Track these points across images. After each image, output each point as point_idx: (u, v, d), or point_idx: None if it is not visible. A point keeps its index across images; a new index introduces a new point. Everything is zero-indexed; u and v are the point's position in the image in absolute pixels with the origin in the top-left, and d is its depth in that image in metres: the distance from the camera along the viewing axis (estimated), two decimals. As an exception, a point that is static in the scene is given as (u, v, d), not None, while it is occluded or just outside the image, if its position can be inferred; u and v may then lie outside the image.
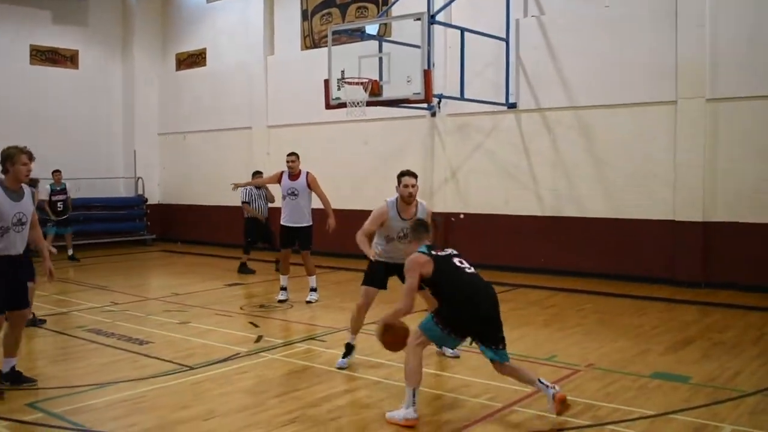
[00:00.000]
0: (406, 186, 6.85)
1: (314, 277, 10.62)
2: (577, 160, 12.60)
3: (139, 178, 19.58)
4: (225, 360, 7.27)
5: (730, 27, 11.10)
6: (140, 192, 19.57)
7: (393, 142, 14.93)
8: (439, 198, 14.18)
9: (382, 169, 14.82)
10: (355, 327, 7.09)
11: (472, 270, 5.62)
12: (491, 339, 5.46)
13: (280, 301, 10.47)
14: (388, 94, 11.49)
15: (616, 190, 12.22)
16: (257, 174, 13.66)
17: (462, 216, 13.91)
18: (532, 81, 13.03)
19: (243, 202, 13.50)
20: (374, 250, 7.06)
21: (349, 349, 7.08)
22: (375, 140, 15.22)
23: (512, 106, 13.13)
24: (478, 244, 13.16)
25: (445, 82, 13.51)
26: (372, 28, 13.79)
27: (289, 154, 10.46)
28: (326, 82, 11.97)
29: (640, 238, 11.97)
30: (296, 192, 10.34)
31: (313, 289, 10.59)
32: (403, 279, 5.78)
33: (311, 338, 8.22)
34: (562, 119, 12.75)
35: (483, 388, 6.21)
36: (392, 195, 7.07)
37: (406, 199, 6.86)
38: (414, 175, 6.92)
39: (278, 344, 7.96)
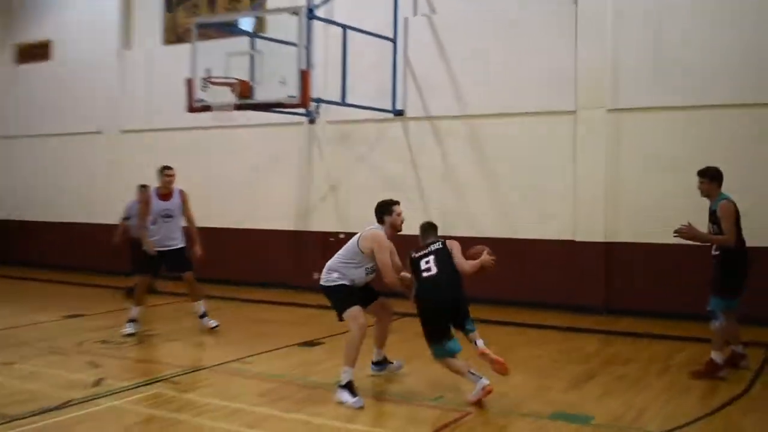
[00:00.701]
0: (399, 214, 7.32)
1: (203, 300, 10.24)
2: (468, 174, 12.58)
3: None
4: (53, 409, 6.58)
5: (633, 35, 11.32)
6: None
7: (266, 152, 14.56)
8: (316, 216, 13.95)
9: (253, 183, 14.43)
10: (355, 357, 6.98)
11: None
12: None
13: (127, 335, 9.80)
14: (259, 96, 11.11)
15: (511, 208, 12.24)
16: (143, 189, 13.03)
17: (342, 236, 13.55)
18: (422, 86, 12.97)
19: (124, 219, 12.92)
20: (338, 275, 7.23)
21: (349, 384, 6.87)
22: (245, 149, 14.79)
23: (399, 113, 13.03)
24: None
25: (325, 85, 13.21)
26: (247, 23, 13.36)
27: (167, 168, 9.99)
28: (189, 81, 11.52)
29: (537, 260, 12.01)
30: (171, 214, 9.89)
31: (205, 315, 10.17)
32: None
33: (161, 380, 7.62)
34: (453, 129, 12.73)
35: None
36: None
37: (399, 228, 7.32)
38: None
39: (121, 388, 7.32)
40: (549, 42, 11.88)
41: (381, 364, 7.83)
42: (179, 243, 10.03)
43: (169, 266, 10.13)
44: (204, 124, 12.83)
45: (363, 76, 12.95)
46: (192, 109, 11.53)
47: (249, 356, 8.65)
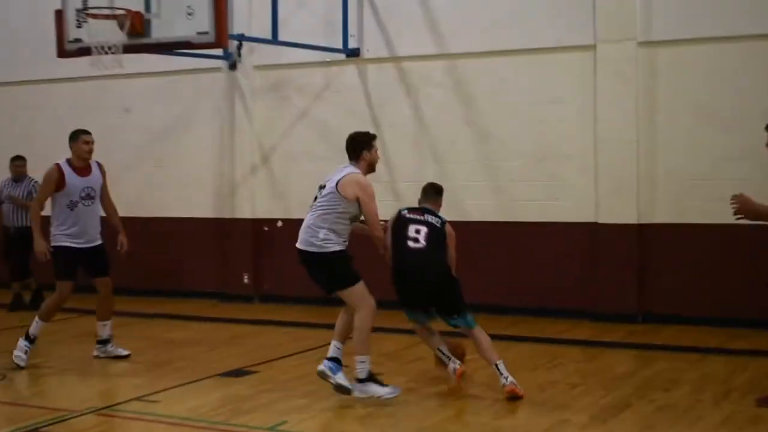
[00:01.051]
0: (377, 150, 8.23)
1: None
2: (452, 136, 12.62)
3: None
4: None
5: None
6: None
7: (171, 110, 14.56)
8: (243, 196, 14.01)
9: (155, 150, 14.32)
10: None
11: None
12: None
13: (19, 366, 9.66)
14: (158, 33, 11.04)
15: (511, 181, 12.26)
16: (18, 161, 13.34)
17: (280, 223, 13.56)
18: (383, 17, 12.98)
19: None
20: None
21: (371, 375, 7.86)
22: (142, 107, 14.74)
23: (354, 53, 13.06)
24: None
25: (249, 17, 13.31)
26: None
27: (84, 133, 9.86)
28: (59, 14, 11.44)
29: (549, 251, 12.08)
30: (93, 194, 9.77)
31: (110, 340, 10.13)
32: None
33: (32, 430, 7.52)
34: (428, 74, 12.77)
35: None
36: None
37: (374, 168, 8.21)
38: None
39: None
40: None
41: (338, 362, 8.06)
42: (100, 238, 9.91)
43: (89, 270, 9.94)
44: (84, 73, 12.64)
45: (302, 4, 13.00)
46: (64, 53, 11.49)
47: (154, 393, 8.55)
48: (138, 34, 10.89)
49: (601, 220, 11.72)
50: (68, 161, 9.75)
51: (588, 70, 11.76)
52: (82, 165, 9.77)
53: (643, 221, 11.53)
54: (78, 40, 11.25)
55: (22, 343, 9.64)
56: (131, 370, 9.72)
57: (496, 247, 12.34)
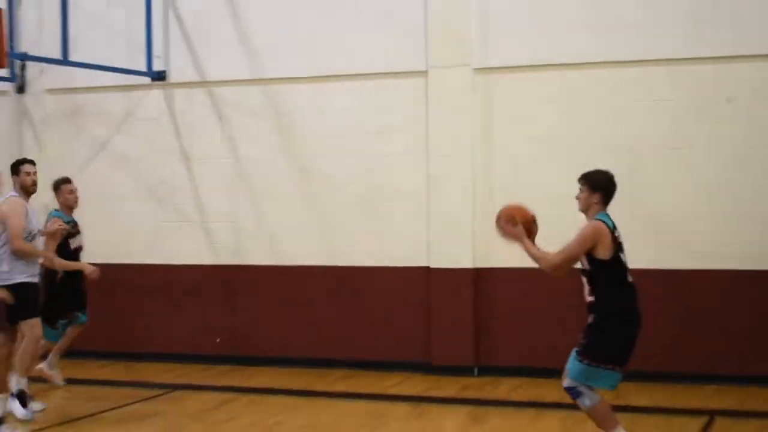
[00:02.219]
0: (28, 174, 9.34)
1: None
2: (271, 172, 12.40)
3: None
4: None
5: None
6: None
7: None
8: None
9: None
10: None
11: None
12: None
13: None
14: None
15: (337, 222, 12.14)
16: None
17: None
18: (193, 36, 12.76)
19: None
20: None
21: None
22: None
23: (159, 76, 12.76)
24: (107, 309, 12.29)
25: (40, 33, 12.86)
26: None
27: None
28: None
29: (378, 297, 11.91)
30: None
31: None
32: None
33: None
34: (244, 101, 12.54)
35: None
36: None
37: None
38: None
39: None
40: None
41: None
42: None
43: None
44: None
45: (100, 18, 12.74)
46: None
47: None
48: None
49: (434, 264, 11.60)
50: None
51: (420, 99, 11.68)
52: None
53: (479, 265, 11.45)
54: None
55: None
56: None
57: (321, 294, 12.16)
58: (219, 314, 12.47)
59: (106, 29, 12.74)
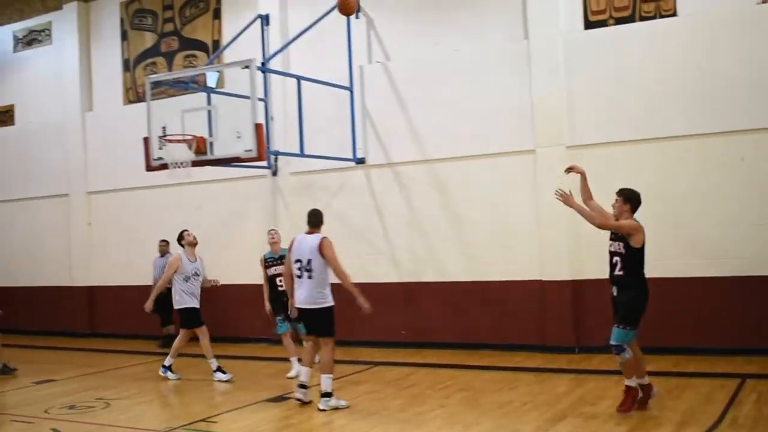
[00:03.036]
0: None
1: None
2: (433, 219, 12.40)
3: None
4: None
5: (586, 68, 11.32)
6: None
7: (231, 206, 14.35)
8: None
9: (221, 236, 14.19)
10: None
11: None
12: None
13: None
14: (218, 152, 10.91)
15: (478, 250, 12.04)
16: (162, 242, 14.11)
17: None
18: (381, 133, 12.85)
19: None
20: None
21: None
22: (210, 204, 14.56)
23: (360, 161, 12.89)
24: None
25: (285, 136, 13.10)
26: (212, 79, 13.27)
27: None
28: (146, 140, 11.29)
29: (507, 301, 11.82)
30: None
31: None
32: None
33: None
34: (415, 174, 12.59)
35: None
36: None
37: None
38: None
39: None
40: (503, 81, 11.84)
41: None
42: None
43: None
44: (168, 181, 12.61)
45: (322, 126, 12.83)
46: (150, 168, 11.27)
47: (216, 415, 8.41)
48: (201, 153, 10.83)
49: (545, 278, 11.53)
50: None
51: (530, 168, 11.61)
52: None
53: (575, 278, 11.31)
54: (159, 159, 11.14)
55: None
56: (199, 398, 9.54)
57: (469, 300, 12.05)
58: (403, 314, 12.44)
59: (326, 133, 12.84)
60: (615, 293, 7.74)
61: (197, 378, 10.81)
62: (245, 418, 8.31)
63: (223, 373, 10.57)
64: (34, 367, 12.44)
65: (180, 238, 11.13)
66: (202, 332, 10.77)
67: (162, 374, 10.85)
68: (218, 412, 8.55)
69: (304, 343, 9.03)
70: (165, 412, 9.08)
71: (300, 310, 8.67)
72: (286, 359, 10.80)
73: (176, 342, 10.98)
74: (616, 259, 7.67)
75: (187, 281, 10.76)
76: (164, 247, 14.05)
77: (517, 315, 11.74)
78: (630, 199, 7.71)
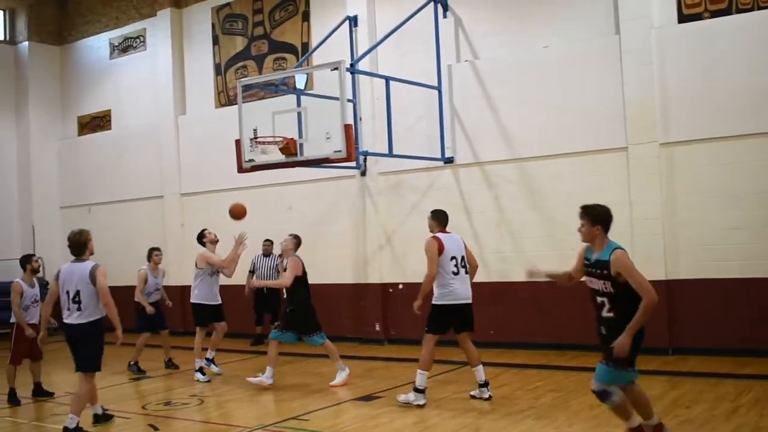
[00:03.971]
0: None
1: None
2: (523, 218, 12.39)
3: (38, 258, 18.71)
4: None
5: (679, 63, 11.13)
6: (40, 275, 18.67)
7: (320, 206, 14.62)
8: (373, 267, 13.91)
9: (310, 236, 14.42)
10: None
11: None
12: None
13: None
14: (307, 153, 11.15)
15: (568, 250, 11.85)
16: (267, 242, 14.41)
17: (401, 287, 13.50)
18: (469, 132, 12.88)
19: None
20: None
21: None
22: (300, 205, 14.86)
23: (449, 161, 12.94)
24: (421, 317, 12.62)
25: (374, 137, 13.31)
26: (300, 82, 13.55)
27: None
28: (237, 142, 11.61)
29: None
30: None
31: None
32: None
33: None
34: (504, 173, 12.59)
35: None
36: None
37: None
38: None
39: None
40: (594, 77, 11.76)
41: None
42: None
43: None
44: (259, 182, 12.95)
45: (411, 126, 13.00)
46: (241, 170, 11.61)
47: (306, 413, 8.60)
48: (292, 154, 11.08)
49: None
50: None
51: (623, 166, 11.50)
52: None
53: (669, 278, 11.13)
54: (251, 160, 11.45)
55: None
56: (291, 396, 9.78)
57: (561, 301, 11.66)
58: (491, 314, 12.14)
59: (415, 133, 13.04)
60: (604, 332, 6.34)
61: (289, 377, 11.05)
62: (335, 416, 8.51)
63: (202, 374, 11.17)
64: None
65: (201, 237, 11.59)
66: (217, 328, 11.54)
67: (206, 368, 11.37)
68: (309, 410, 8.73)
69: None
70: (257, 410, 9.32)
71: (462, 305, 8.92)
72: (376, 358, 10.96)
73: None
74: (602, 299, 6.29)
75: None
76: (268, 247, 14.28)
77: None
78: (599, 219, 6.39)
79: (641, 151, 11.29)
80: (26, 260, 10.51)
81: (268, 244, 14.29)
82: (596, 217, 6.35)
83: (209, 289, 11.30)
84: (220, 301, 11.48)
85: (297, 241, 10.60)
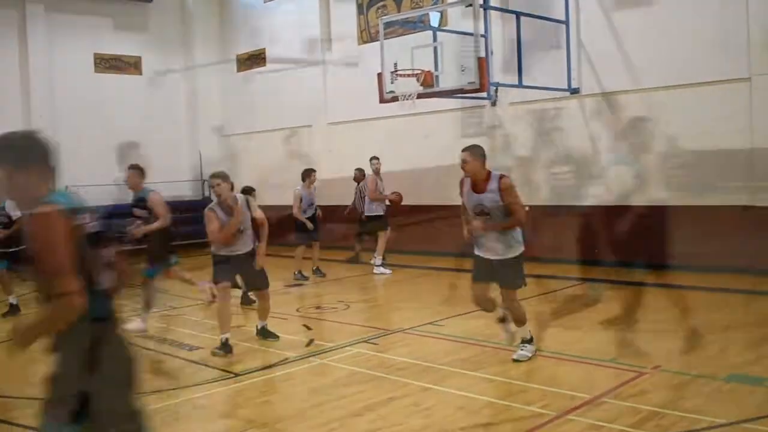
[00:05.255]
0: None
1: None
2: (645, 146, 11.93)
3: (204, 180, 19.59)
4: (272, 366, 7.08)
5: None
6: (206, 194, 19.61)
7: (454, 134, 14.45)
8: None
9: (444, 163, 14.48)
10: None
11: None
12: None
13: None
14: (443, 84, 11.19)
15: (688, 177, 11.52)
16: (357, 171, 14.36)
17: (527, 209, 13.34)
18: (595, 64, 12.50)
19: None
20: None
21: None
22: (436, 133, 14.74)
23: (575, 91, 12.62)
24: (546, 237, 12.37)
25: (503, 69, 12.95)
26: (434, 18, 13.47)
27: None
28: (379, 75, 11.79)
29: (717, 225, 11.09)
30: None
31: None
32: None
33: (363, 341, 7.94)
34: (627, 103, 12.16)
35: (538, 395, 5.83)
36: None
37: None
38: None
39: (328, 348, 7.73)
40: (716, 8, 11.13)
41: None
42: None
43: None
44: (399, 112, 13.02)
45: (539, 58, 12.65)
46: (382, 100, 11.77)
47: (442, 319, 8.79)
48: (429, 86, 11.14)
49: (758, 204, 10.79)
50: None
51: (745, 97, 10.89)
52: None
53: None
54: (391, 92, 11.58)
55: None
56: (429, 304, 9.91)
57: (679, 224, 11.26)
58: (604, 236, 11.78)
59: (542, 64, 12.58)
60: None
61: (427, 288, 11.26)
62: (465, 323, 8.62)
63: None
64: (286, 273, 13.37)
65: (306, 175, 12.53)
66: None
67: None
68: (443, 317, 8.94)
69: None
70: (396, 316, 9.60)
71: None
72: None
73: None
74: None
75: None
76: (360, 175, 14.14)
77: (730, 238, 10.78)
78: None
79: (764, 83, 10.66)
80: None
81: (359, 174, 14.16)
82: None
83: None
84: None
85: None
